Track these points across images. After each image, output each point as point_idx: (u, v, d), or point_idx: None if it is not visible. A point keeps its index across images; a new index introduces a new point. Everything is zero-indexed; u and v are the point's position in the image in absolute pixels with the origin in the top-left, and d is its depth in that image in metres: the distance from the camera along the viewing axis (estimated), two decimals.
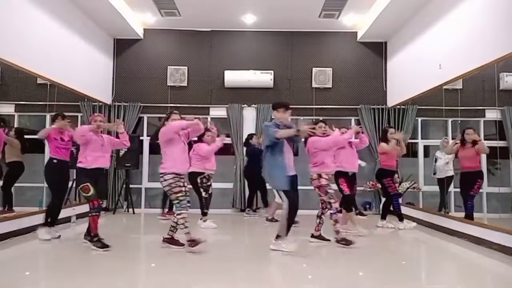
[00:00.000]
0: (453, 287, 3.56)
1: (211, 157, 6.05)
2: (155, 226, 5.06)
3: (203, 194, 6.02)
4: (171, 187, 4.30)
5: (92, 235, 4.39)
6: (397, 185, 7.26)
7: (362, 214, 7.22)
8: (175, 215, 4.42)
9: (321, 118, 8.07)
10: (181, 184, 4.36)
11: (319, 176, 4.71)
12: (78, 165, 4.47)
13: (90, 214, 4.39)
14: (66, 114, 5.09)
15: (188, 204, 4.39)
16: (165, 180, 4.31)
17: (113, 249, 4.36)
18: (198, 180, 5.97)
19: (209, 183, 6.16)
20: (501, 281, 3.68)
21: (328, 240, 4.83)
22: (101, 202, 4.58)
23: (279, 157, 4.27)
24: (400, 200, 6.15)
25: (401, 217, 5.95)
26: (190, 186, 5.58)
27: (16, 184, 5.54)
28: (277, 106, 4.45)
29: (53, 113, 5.27)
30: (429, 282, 3.62)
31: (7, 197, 5.40)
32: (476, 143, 5.24)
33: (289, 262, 4.12)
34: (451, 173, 6.22)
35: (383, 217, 6.13)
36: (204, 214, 6.08)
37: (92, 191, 4.37)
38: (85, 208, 4.66)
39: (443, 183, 6.26)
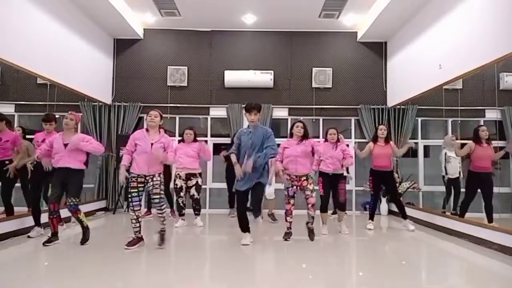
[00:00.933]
0: (453, 287, 3.57)
1: (180, 157, 5.89)
2: (155, 227, 5.05)
3: (174, 195, 6.12)
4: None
5: (52, 232, 4.58)
6: (396, 185, 7.29)
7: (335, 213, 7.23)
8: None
9: (321, 118, 8.18)
10: (135, 184, 4.36)
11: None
12: None
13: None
14: (65, 114, 5.07)
15: (134, 203, 4.38)
16: None
17: (113, 249, 4.37)
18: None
19: (189, 184, 5.95)
20: (501, 281, 3.67)
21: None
22: (75, 201, 4.52)
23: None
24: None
25: (372, 217, 6.10)
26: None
27: (16, 185, 5.49)
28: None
29: (53, 113, 5.25)
30: (429, 282, 3.62)
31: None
32: (490, 142, 5.21)
33: (289, 262, 4.12)
34: (458, 173, 6.15)
35: (404, 217, 5.99)
36: (195, 214, 6.14)
37: (48, 192, 4.63)
38: (84, 208, 4.66)
39: (455, 183, 6.11)
